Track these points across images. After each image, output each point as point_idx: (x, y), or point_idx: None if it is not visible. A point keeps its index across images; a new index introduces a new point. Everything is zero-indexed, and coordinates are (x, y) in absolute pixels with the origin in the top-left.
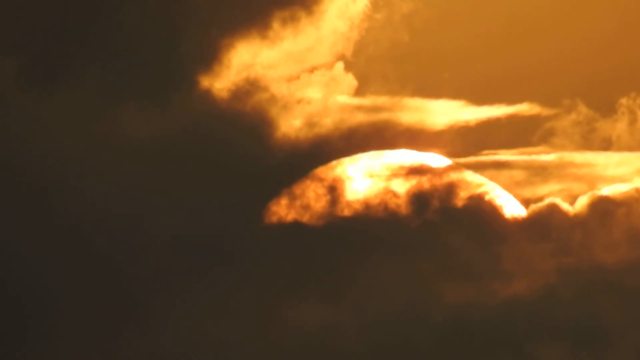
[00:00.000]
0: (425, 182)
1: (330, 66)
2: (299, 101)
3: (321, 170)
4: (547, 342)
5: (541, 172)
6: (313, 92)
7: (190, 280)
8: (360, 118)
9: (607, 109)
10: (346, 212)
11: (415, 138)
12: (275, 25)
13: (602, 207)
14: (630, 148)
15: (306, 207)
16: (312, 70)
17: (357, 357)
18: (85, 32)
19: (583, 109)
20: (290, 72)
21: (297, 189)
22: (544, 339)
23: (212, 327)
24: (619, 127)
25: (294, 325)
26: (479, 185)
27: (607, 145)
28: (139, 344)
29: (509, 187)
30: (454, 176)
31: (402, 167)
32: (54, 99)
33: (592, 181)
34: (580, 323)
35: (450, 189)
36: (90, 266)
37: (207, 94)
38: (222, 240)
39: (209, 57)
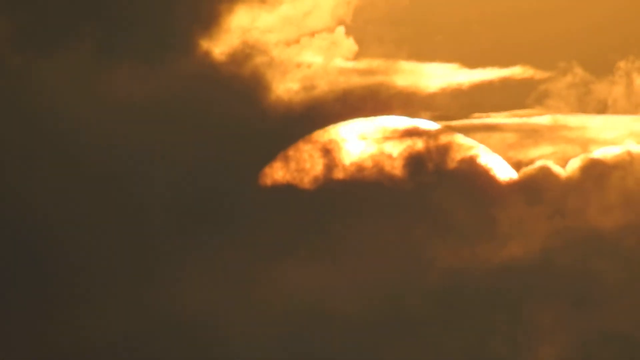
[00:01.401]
0: (417, 145)
1: (331, 30)
2: (298, 65)
3: (316, 134)
4: (541, 305)
5: (533, 135)
6: (313, 56)
7: (183, 240)
8: (357, 82)
9: (604, 72)
10: (340, 175)
11: (409, 101)
12: None
13: (594, 170)
14: (625, 111)
15: (301, 170)
16: (312, 34)
17: (349, 320)
18: None
19: (579, 71)
20: (291, 36)
21: (293, 152)
22: (537, 301)
23: (204, 288)
24: (615, 90)
25: (287, 286)
26: (471, 148)
27: (602, 108)
28: (129, 304)
29: (501, 150)
30: (446, 139)
31: (395, 131)
32: (51, 60)
33: (585, 144)
34: (573, 285)
35: (443, 152)
36: (82, 227)
37: (206, 56)
38: (217, 203)
39: (208, 20)
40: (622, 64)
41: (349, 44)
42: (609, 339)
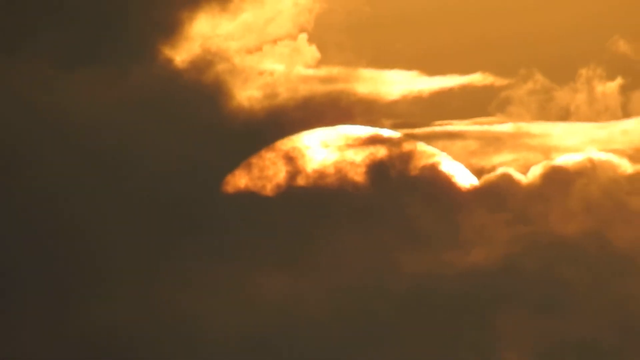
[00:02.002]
0: (380, 153)
1: (293, 37)
2: (261, 73)
3: (280, 142)
4: (505, 310)
5: (494, 142)
6: (275, 64)
7: (149, 248)
8: (319, 90)
9: (565, 79)
10: (303, 183)
11: (370, 109)
12: None
13: (555, 177)
14: (587, 118)
15: (264, 178)
16: (275, 41)
17: (317, 326)
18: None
19: (539, 78)
20: (253, 44)
21: (256, 160)
22: (501, 307)
23: (169, 296)
24: (577, 97)
25: (254, 294)
26: (432, 156)
27: (564, 115)
28: (98, 314)
29: (463, 157)
30: (407, 147)
31: (357, 139)
32: (10, 67)
33: (547, 151)
34: (536, 291)
35: (404, 160)
36: (49, 237)
37: (168, 64)
38: (181, 210)
39: (170, 27)
40: (583, 71)
41: (312, 52)
42: (572, 344)
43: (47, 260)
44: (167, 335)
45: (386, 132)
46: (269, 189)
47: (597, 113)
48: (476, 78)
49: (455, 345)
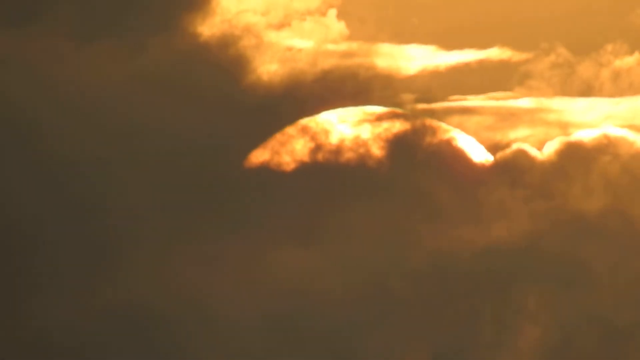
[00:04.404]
0: (396, 128)
1: (323, 13)
2: (289, 49)
3: (302, 119)
4: (523, 286)
5: (510, 117)
6: (303, 40)
7: (168, 225)
8: (339, 64)
9: (587, 53)
10: (324, 159)
11: (388, 83)
12: None
13: (570, 153)
14: (608, 94)
15: (287, 154)
16: (303, 17)
17: (335, 302)
18: None
19: (562, 52)
20: (280, 20)
21: (279, 137)
22: (518, 282)
23: (191, 273)
24: (598, 72)
25: (274, 269)
26: (448, 131)
27: (584, 90)
28: (120, 293)
29: (478, 132)
30: (424, 122)
31: (374, 115)
32: (27, 40)
33: (564, 127)
34: (556, 267)
35: (420, 135)
36: (69, 211)
37: (194, 39)
38: (202, 186)
39: (196, 1)
40: (607, 46)
41: (340, 28)
42: (592, 320)
43: (67, 235)
44: (184, 312)
45: (403, 108)
46: (289, 165)
47: (619, 88)
48: (494, 53)
49: (473, 322)
